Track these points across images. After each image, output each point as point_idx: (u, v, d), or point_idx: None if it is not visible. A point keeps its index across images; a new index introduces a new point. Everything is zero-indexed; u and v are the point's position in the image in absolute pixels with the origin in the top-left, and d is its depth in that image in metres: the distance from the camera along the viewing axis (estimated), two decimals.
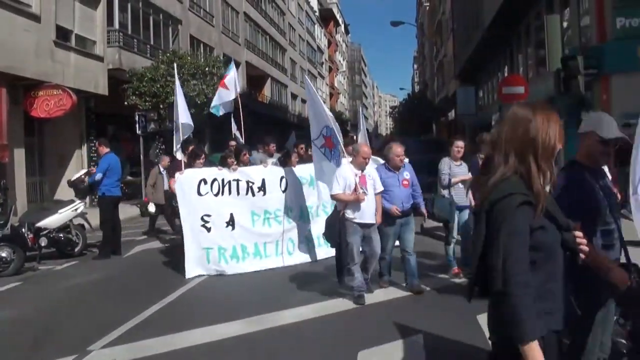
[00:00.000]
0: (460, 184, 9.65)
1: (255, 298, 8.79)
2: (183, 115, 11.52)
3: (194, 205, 10.50)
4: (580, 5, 20.39)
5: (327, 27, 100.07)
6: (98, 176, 12.68)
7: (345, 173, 8.59)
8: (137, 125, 23.49)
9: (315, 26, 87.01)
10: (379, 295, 8.71)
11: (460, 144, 9.88)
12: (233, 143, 14.65)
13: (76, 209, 12.90)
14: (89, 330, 7.35)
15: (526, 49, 28.96)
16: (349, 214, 8.44)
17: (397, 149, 9.05)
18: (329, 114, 9.79)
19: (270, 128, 38.68)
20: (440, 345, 6.47)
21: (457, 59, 50.21)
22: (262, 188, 11.04)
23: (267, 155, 13.61)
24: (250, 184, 10.96)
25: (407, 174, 9.21)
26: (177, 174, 10.68)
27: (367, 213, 8.45)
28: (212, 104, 15.74)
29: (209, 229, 10.55)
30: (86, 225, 13.43)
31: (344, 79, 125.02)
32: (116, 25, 25.46)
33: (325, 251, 11.05)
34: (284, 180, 11.24)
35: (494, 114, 34.58)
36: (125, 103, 23.92)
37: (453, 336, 6.71)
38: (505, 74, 32.68)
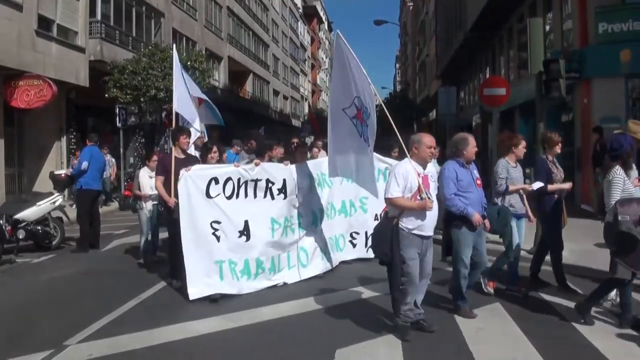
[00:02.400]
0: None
1: (234, 294, 8.73)
2: (182, 105, 10.62)
3: (201, 210, 8.67)
4: (563, 9, 20.56)
5: (311, 24, 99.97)
6: (84, 165, 12.76)
7: (407, 171, 6.73)
8: (117, 118, 23.37)
9: (299, 23, 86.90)
10: (357, 294, 8.76)
11: (525, 143, 8.82)
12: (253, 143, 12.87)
13: (55, 202, 12.83)
14: (65, 325, 7.30)
15: (508, 51, 29.14)
16: (406, 223, 6.72)
17: (472, 140, 7.62)
18: (369, 88, 7.89)
19: (251, 124, 38.66)
20: (417, 342, 6.49)
21: (439, 59, 50.43)
22: (283, 190, 9.48)
23: (248, 152, 12.34)
24: (270, 185, 9.35)
25: (476, 171, 7.83)
26: (182, 171, 8.65)
27: (430, 223, 6.84)
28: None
29: (218, 238, 8.75)
30: (64, 218, 13.36)
31: (327, 76, 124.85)
32: (98, 17, 25.26)
33: (338, 257, 10.51)
34: (299, 180, 9.78)
35: (475, 114, 34.83)
36: (106, 95, 23.74)
37: (430, 334, 6.75)
38: (487, 76, 32.88)
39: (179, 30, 34.91)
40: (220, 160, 9.94)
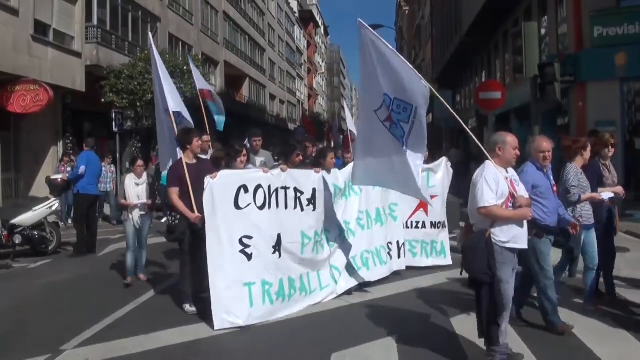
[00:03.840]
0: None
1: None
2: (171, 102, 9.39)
3: (230, 223, 7.53)
4: (558, 13, 20.62)
5: (307, 28, 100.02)
6: (82, 169, 12.86)
7: (497, 175, 5.83)
8: (113, 123, 23.32)
9: (295, 27, 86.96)
10: (354, 298, 8.75)
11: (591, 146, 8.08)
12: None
13: (51, 207, 12.85)
14: (62, 330, 7.31)
15: (504, 55, 29.19)
16: (500, 235, 5.77)
17: (544, 143, 6.91)
18: (407, 78, 6.76)
19: (248, 129, 38.62)
20: (414, 347, 6.50)
21: (435, 63, 50.56)
22: (313, 201, 8.50)
23: (252, 153, 10.62)
24: (299, 195, 8.34)
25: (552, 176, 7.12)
26: (207, 179, 7.48)
27: (525, 233, 5.99)
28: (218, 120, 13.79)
29: (249, 256, 7.59)
30: (61, 223, 13.37)
31: (323, 80, 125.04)
32: (95, 22, 25.24)
33: (380, 272, 9.60)
34: (325, 189, 8.83)
35: (471, 118, 34.89)
36: (103, 100, 23.72)
37: (426, 338, 6.77)
38: (483, 79, 32.96)
39: (175, 34, 34.92)
40: (292, 164, 9.04)
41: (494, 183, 5.73)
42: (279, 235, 7.93)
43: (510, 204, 5.81)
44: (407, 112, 6.82)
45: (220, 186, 7.53)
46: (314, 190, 8.53)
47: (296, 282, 8.13)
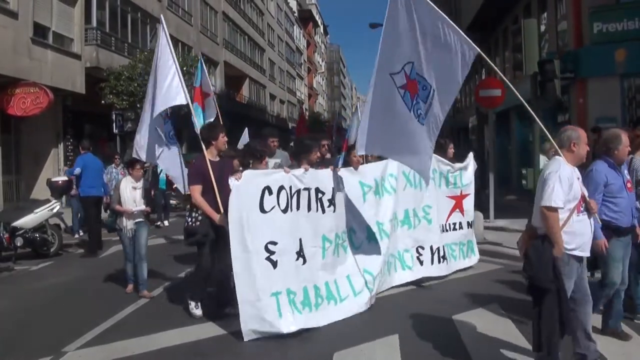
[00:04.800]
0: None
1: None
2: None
3: (255, 228, 6.99)
4: (557, 10, 20.60)
5: (306, 28, 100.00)
6: (77, 170, 13.20)
7: (572, 176, 5.31)
8: (114, 125, 23.35)
9: (294, 27, 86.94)
10: None
11: None
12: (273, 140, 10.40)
13: (52, 209, 12.85)
14: (64, 331, 7.30)
15: (503, 52, 29.19)
16: (567, 242, 5.29)
17: (624, 137, 6.34)
18: (448, 60, 6.27)
19: (248, 128, 38.59)
20: (416, 346, 6.50)
21: None
22: (333, 202, 7.98)
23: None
24: (320, 195, 7.81)
25: (627, 172, 6.65)
26: (231, 180, 7.00)
27: (590, 242, 5.52)
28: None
29: (275, 264, 7.08)
30: (62, 225, 13.39)
31: (323, 79, 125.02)
32: (94, 23, 25.25)
33: (404, 277, 9.22)
34: (349, 188, 8.36)
35: (471, 116, 34.88)
36: (103, 102, 23.73)
37: (429, 337, 6.76)
38: (483, 77, 32.93)
39: (175, 35, 34.88)
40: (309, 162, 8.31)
41: (567, 184, 5.23)
42: (300, 240, 7.45)
43: (582, 208, 5.38)
44: (425, 90, 6.63)
45: (245, 188, 7.00)
46: (334, 190, 8.03)
47: (321, 289, 7.59)
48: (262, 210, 7.07)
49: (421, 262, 9.49)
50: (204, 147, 7.94)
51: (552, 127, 18.13)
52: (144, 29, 31.16)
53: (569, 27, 18.93)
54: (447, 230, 10.15)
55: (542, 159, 12.68)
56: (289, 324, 6.96)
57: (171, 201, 20.30)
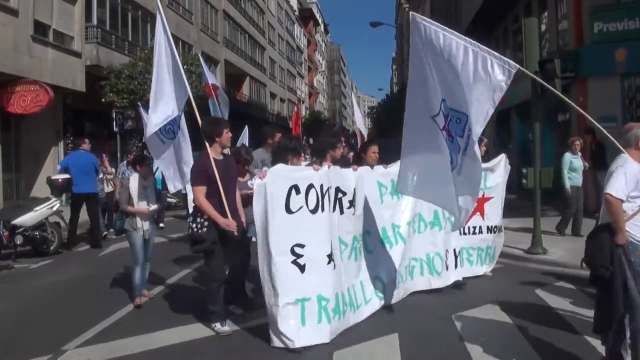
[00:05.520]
0: None
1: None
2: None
3: (281, 230, 6.52)
4: (558, 9, 20.58)
5: (307, 26, 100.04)
6: (58, 168, 13.56)
7: (637, 170, 5.26)
8: (114, 123, 23.36)
9: (295, 25, 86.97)
10: None
11: None
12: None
13: (52, 207, 12.84)
14: (63, 330, 7.31)
15: (504, 51, 29.12)
16: (634, 231, 5.26)
17: None
18: (465, 85, 5.82)
19: (248, 127, 38.57)
20: (415, 345, 6.50)
21: None
22: (353, 202, 7.47)
23: (268, 152, 9.08)
24: (340, 196, 7.29)
25: None
26: (255, 179, 6.74)
27: None
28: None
29: (302, 268, 6.59)
30: (62, 223, 13.39)
31: (323, 78, 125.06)
32: (94, 21, 25.27)
33: (434, 282, 8.67)
34: (368, 188, 7.87)
35: None
36: (103, 100, 23.75)
37: (429, 336, 6.78)
38: None
39: (175, 34, 34.85)
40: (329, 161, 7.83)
41: (633, 182, 5.19)
42: (331, 243, 6.94)
43: None
44: (460, 123, 6.01)
45: (271, 187, 6.49)
46: (354, 190, 7.48)
47: (345, 296, 7.15)
48: (288, 210, 6.57)
49: (447, 267, 8.93)
50: (207, 144, 7.21)
51: (552, 126, 18.14)
52: (144, 27, 31.15)
53: (570, 26, 18.90)
54: (466, 234, 9.48)
55: (568, 154, 12.60)
56: (312, 334, 6.51)
57: (169, 199, 20.22)
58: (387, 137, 46.74)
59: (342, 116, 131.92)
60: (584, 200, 13.37)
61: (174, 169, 8.83)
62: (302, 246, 6.57)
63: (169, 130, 8.65)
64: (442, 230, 8.85)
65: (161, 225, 16.52)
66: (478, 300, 8.10)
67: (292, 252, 6.53)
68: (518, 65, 5.62)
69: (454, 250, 9.16)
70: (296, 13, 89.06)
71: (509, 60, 5.66)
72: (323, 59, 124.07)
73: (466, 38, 5.89)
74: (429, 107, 6.43)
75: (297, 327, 6.44)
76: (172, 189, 8.94)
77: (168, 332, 7.19)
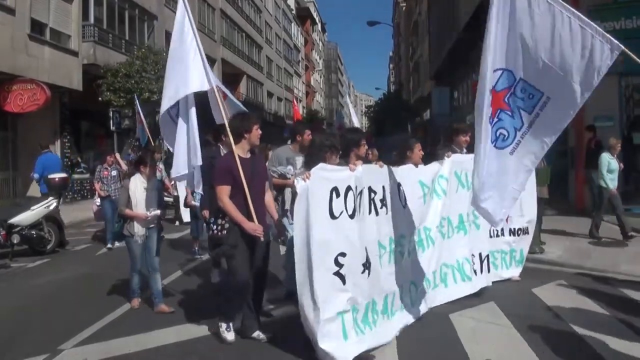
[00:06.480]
0: None
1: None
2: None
3: (326, 239, 5.86)
4: None
5: (304, 25, 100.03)
6: (35, 176, 13.46)
7: None
8: (111, 122, 23.36)
9: (292, 24, 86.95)
10: None
11: None
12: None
13: (49, 206, 12.83)
14: (60, 329, 7.30)
15: None
16: None
17: None
18: (556, 59, 5.36)
19: None
20: (413, 344, 6.49)
21: (433, 59, 50.46)
22: (384, 202, 6.84)
23: (296, 151, 8.47)
24: (373, 196, 6.65)
25: None
26: (297, 181, 5.91)
27: None
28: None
29: (343, 279, 5.97)
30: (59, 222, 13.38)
31: (320, 77, 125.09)
32: (91, 20, 25.22)
33: (464, 289, 8.19)
34: (401, 188, 7.24)
35: (469, 114, 34.89)
36: (100, 99, 23.75)
37: (426, 335, 6.76)
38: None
39: (172, 32, 34.84)
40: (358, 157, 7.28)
41: None
42: (366, 249, 6.38)
43: None
44: (532, 99, 5.57)
45: (313, 190, 5.84)
46: (384, 188, 6.86)
47: (378, 304, 6.59)
48: (332, 216, 5.94)
49: (475, 272, 8.52)
50: (232, 141, 6.67)
51: None
52: (141, 26, 31.11)
53: None
54: (491, 237, 9.07)
55: (606, 155, 12.50)
56: (353, 348, 5.98)
57: (166, 198, 20.13)
58: (384, 136, 46.87)
59: (341, 115, 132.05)
60: (576, 199, 13.33)
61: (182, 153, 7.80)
62: (344, 255, 5.97)
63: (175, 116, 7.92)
64: (467, 235, 8.43)
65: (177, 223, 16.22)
66: (475, 299, 8.09)
67: (336, 262, 5.91)
68: (622, 47, 5.24)
69: (480, 254, 8.73)
70: (293, 12, 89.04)
71: (612, 38, 5.26)
72: (320, 58, 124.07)
73: (567, 6, 5.32)
74: (484, 75, 5.77)
75: (341, 342, 5.90)
76: (173, 173, 8.03)
77: (165, 331, 7.18)
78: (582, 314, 7.34)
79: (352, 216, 6.14)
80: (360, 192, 6.36)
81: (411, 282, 7.28)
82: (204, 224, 9.71)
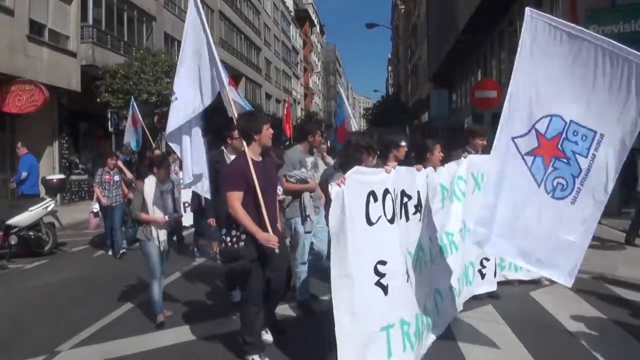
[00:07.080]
0: None
1: (230, 299, 8.48)
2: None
3: (363, 246, 5.19)
4: (553, 11, 20.63)
5: (303, 27, 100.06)
6: (24, 175, 13.62)
7: None
8: (109, 123, 23.35)
9: (291, 26, 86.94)
10: None
11: None
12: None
13: (47, 207, 12.82)
14: (58, 330, 7.30)
15: (499, 53, 29.20)
16: None
17: None
18: (601, 96, 5.08)
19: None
20: None
21: (432, 62, 50.53)
22: (418, 207, 6.38)
23: (306, 151, 8.11)
24: (406, 200, 6.14)
25: None
26: (332, 185, 5.08)
27: None
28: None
29: (385, 289, 5.34)
30: (57, 223, 13.35)
31: (319, 79, 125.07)
32: (90, 21, 25.20)
33: (467, 292, 7.87)
34: (430, 191, 6.76)
35: (467, 117, 34.92)
36: (98, 100, 23.74)
37: None
38: (479, 78, 32.98)
39: (171, 34, 34.85)
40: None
41: None
42: (405, 256, 5.90)
43: None
44: (585, 141, 5.13)
45: (349, 194, 5.13)
46: (419, 193, 6.41)
47: (422, 315, 6.12)
48: (369, 222, 5.33)
49: (482, 275, 8.22)
50: (244, 143, 6.21)
51: None
52: (140, 27, 31.09)
53: None
54: None
55: None
56: None
57: None
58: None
59: (337, 114, 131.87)
60: None
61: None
62: (384, 263, 5.36)
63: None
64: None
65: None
66: (473, 302, 8.08)
67: (376, 271, 5.30)
68: None
69: (495, 257, 8.26)
70: (292, 14, 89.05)
71: None
72: (319, 60, 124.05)
73: (602, 37, 5.16)
74: (513, 124, 5.50)
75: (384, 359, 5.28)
76: (185, 179, 7.81)
77: (163, 332, 7.19)
78: (580, 316, 7.35)
79: (391, 221, 5.61)
80: (398, 195, 5.89)
81: (436, 289, 6.78)
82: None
